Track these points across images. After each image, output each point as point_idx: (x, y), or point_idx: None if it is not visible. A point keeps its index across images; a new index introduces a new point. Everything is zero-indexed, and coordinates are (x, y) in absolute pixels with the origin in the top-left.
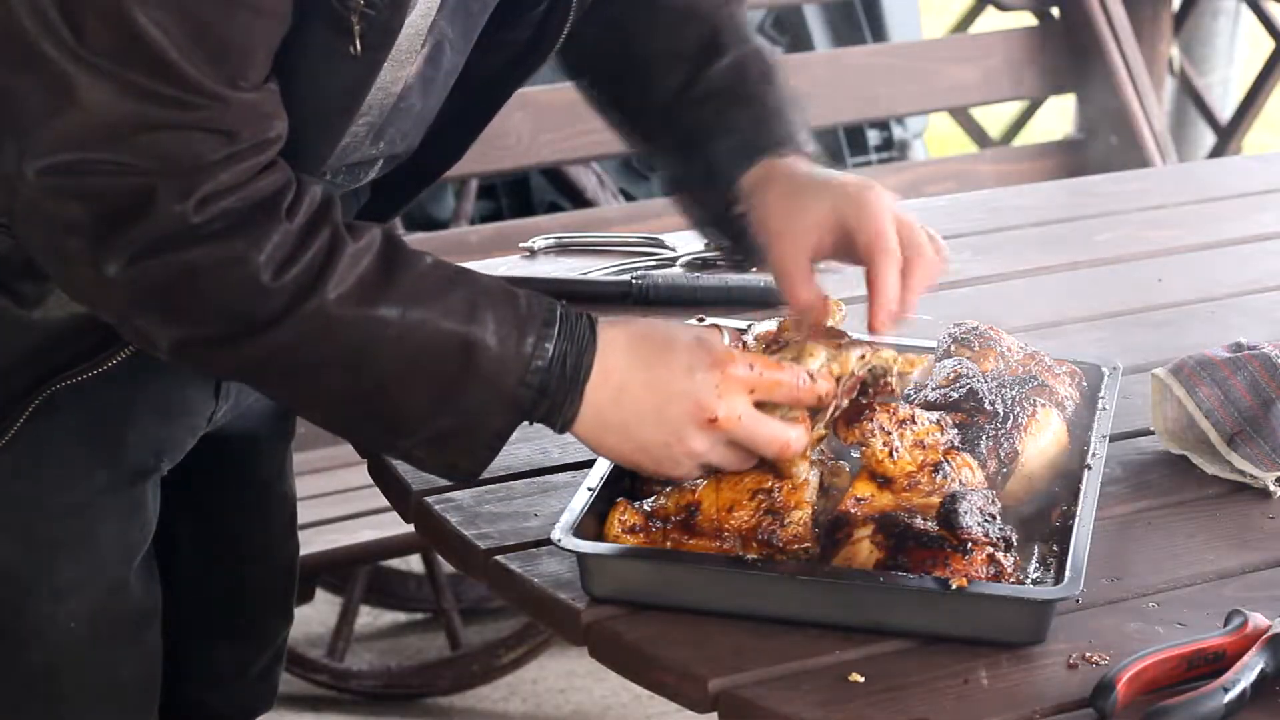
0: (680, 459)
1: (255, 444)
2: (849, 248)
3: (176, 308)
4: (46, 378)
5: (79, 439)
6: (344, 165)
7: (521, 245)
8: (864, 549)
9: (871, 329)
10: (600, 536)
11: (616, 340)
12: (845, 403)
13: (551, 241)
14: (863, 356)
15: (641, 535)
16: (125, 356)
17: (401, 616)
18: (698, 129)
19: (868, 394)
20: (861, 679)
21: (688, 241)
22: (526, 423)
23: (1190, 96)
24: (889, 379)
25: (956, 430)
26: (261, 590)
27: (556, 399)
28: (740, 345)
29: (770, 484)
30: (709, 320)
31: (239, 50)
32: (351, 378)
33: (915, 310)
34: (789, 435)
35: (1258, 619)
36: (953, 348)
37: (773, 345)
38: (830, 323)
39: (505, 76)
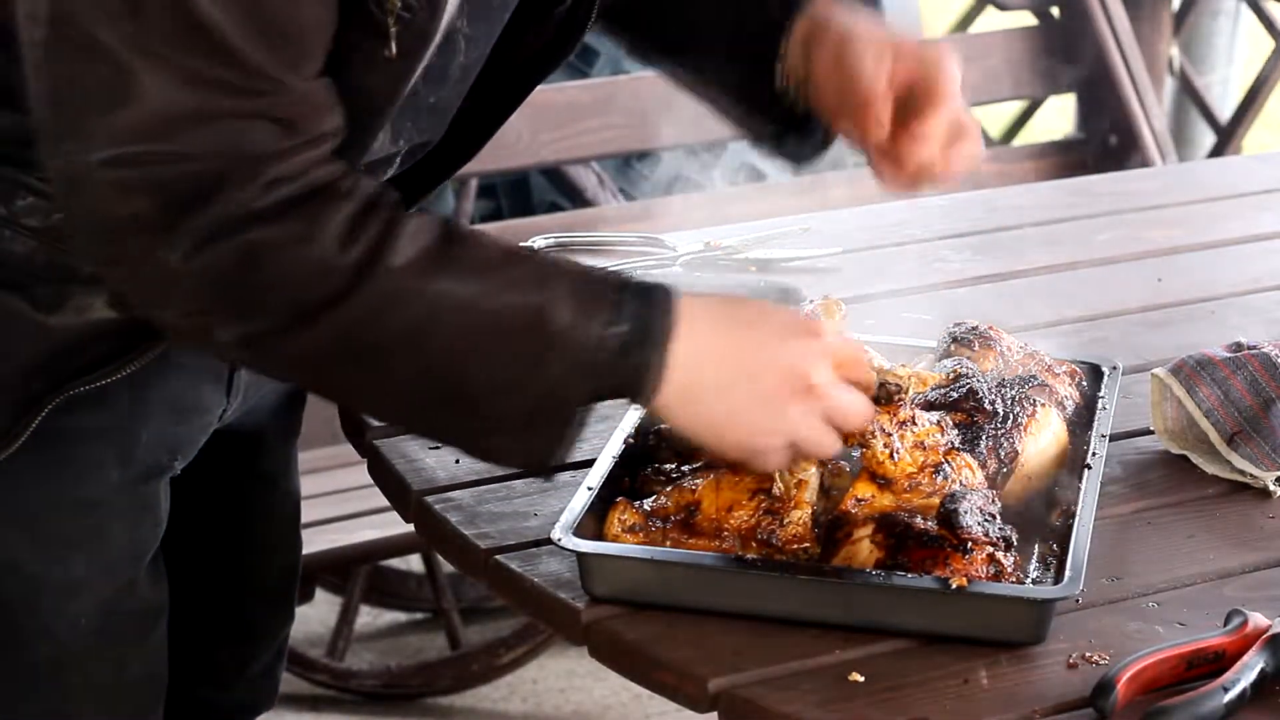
0: (775, 429)
1: (262, 440)
2: (911, 107)
3: (243, 295)
4: (62, 383)
5: (93, 438)
6: (364, 164)
7: (521, 245)
8: (864, 549)
9: (899, 179)
10: (600, 536)
11: (698, 305)
12: None
13: (551, 241)
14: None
15: (641, 535)
16: (140, 366)
17: (401, 616)
18: (743, 4)
19: (878, 404)
20: (861, 679)
21: (688, 241)
22: (608, 399)
23: (1190, 96)
24: (901, 396)
25: (957, 431)
26: (265, 587)
27: (639, 363)
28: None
29: (770, 484)
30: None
31: (297, 38)
32: (422, 356)
33: (950, 175)
34: (868, 406)
35: (1258, 619)
36: (953, 348)
37: None
38: (830, 323)
39: (526, 74)
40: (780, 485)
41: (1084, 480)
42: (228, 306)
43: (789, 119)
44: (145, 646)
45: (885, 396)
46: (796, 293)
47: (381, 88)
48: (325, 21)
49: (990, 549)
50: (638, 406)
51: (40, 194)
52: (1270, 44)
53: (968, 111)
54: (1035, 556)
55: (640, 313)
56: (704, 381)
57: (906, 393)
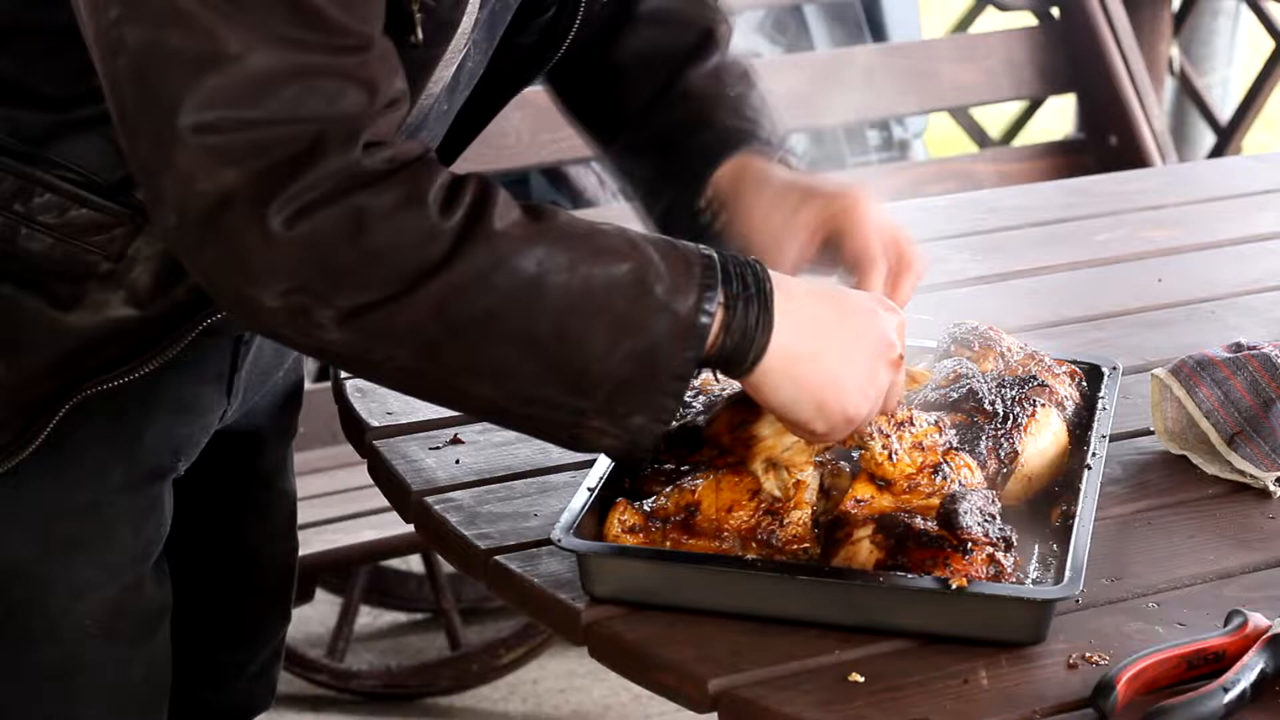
0: (869, 395)
1: (258, 441)
2: (833, 254)
3: (349, 263)
4: (78, 383)
5: (99, 439)
6: None
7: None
8: (864, 549)
9: None
10: (600, 536)
11: (782, 275)
12: None
13: None
14: None
15: (641, 535)
16: (157, 365)
17: (401, 616)
18: (674, 126)
19: None
20: (861, 679)
21: None
22: (710, 370)
23: (1190, 96)
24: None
25: (954, 431)
26: (261, 588)
27: (744, 327)
28: None
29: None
30: None
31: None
32: (529, 319)
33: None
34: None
35: (1258, 619)
36: (953, 348)
37: None
38: None
39: (508, 80)
40: (779, 487)
41: (1084, 480)
42: (331, 277)
43: (702, 233)
44: (151, 647)
45: None
46: None
47: (406, 77)
48: None
49: (990, 549)
50: (734, 376)
51: (55, 190)
52: (1270, 44)
53: (899, 234)
54: (1035, 556)
55: (737, 277)
56: (805, 350)
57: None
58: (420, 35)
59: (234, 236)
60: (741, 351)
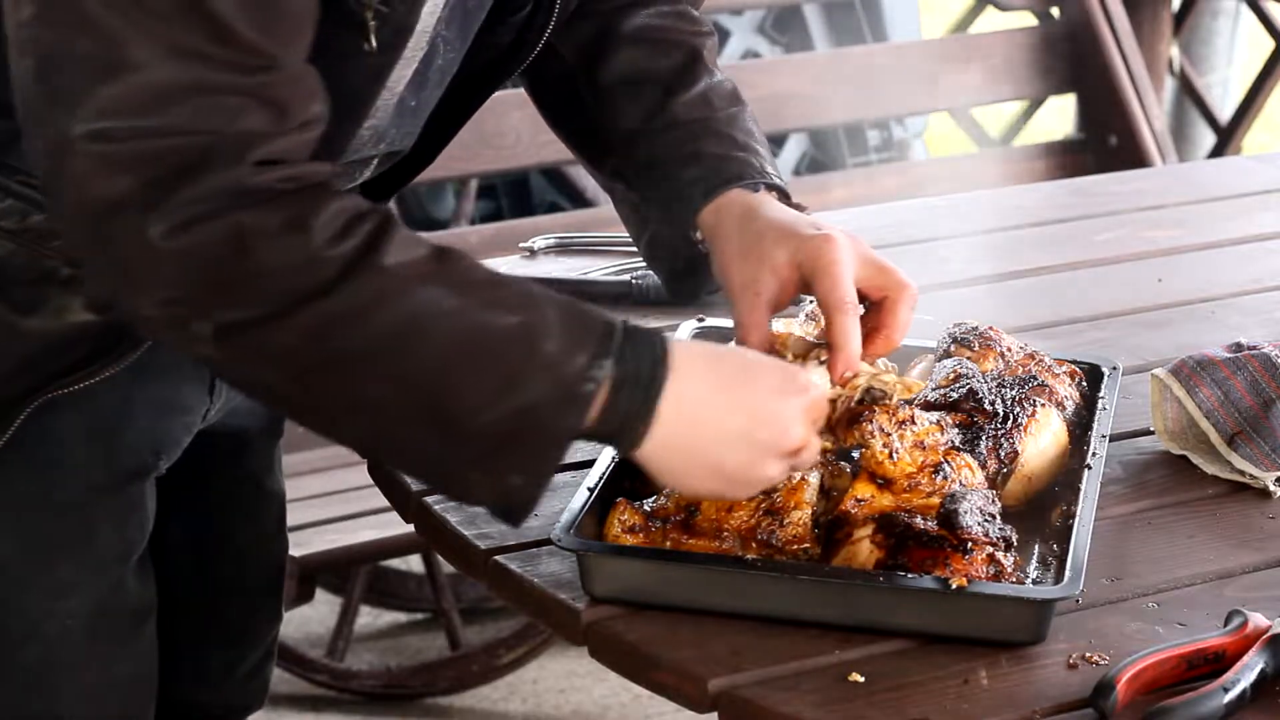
0: (755, 483)
1: (245, 440)
2: (810, 293)
3: (226, 279)
4: (40, 386)
5: (78, 438)
6: (343, 164)
7: (521, 245)
8: (864, 549)
9: (834, 380)
10: (600, 536)
11: (692, 353)
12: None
13: (551, 241)
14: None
15: (641, 535)
16: (118, 369)
17: (401, 616)
18: (663, 156)
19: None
20: (861, 679)
21: None
22: (589, 440)
23: (1190, 96)
24: (888, 403)
25: (957, 430)
26: (251, 588)
27: (628, 406)
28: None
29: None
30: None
31: (290, 17)
32: (402, 363)
33: (901, 340)
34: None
35: (1258, 619)
36: (953, 348)
37: None
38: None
39: (485, 79)
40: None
41: (1084, 480)
42: (209, 292)
43: (687, 266)
44: (134, 646)
45: (871, 402)
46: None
47: (359, 83)
48: (314, 7)
49: (990, 549)
50: (616, 452)
51: (17, 196)
52: (1270, 44)
53: (884, 268)
54: (1035, 556)
55: (631, 354)
56: (692, 434)
57: (891, 399)
58: (374, 42)
59: (117, 243)
60: (623, 431)
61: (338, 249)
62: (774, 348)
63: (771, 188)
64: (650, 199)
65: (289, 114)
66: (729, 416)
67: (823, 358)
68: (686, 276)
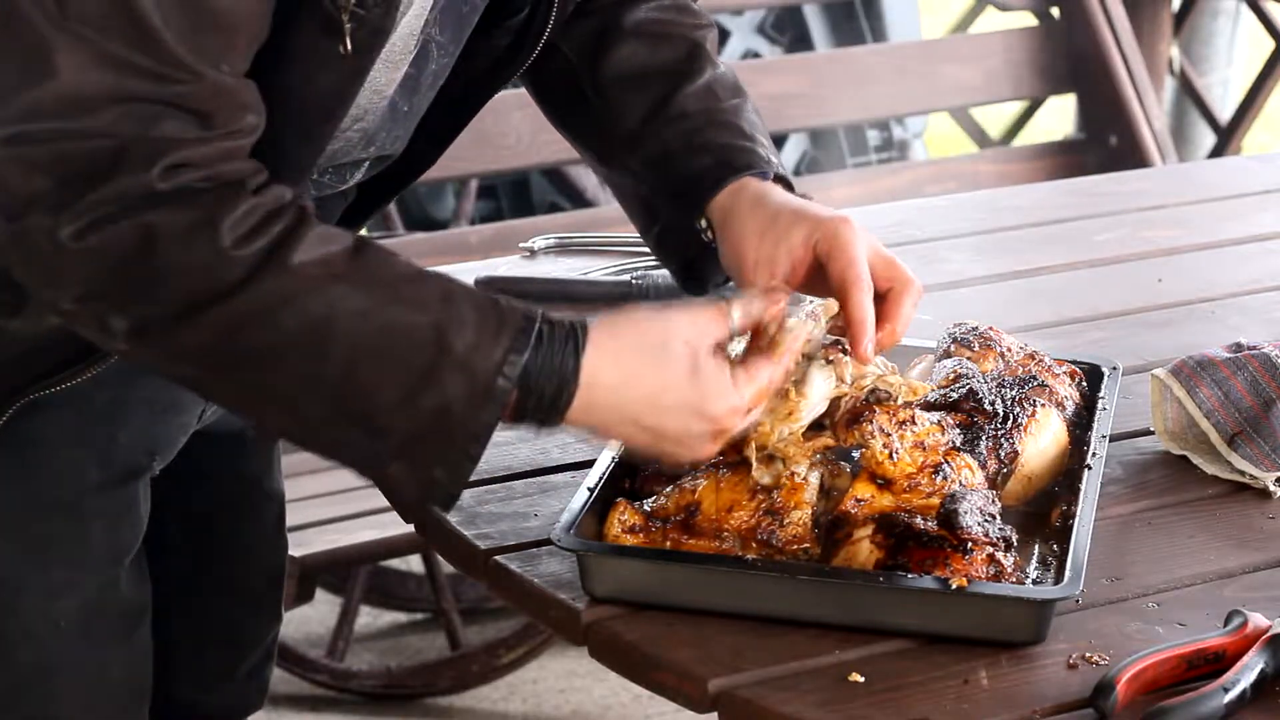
0: (677, 455)
1: (244, 442)
2: (821, 278)
3: (134, 279)
4: (23, 388)
5: (71, 439)
6: (332, 165)
7: (521, 245)
8: (864, 549)
9: (856, 359)
10: (600, 536)
11: (607, 335)
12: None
13: (551, 241)
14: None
15: (641, 535)
16: (101, 370)
17: (401, 616)
18: (670, 149)
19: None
20: (861, 679)
21: None
22: (509, 423)
23: (1190, 96)
24: (893, 404)
25: (957, 430)
26: (251, 589)
27: (539, 395)
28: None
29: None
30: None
31: (224, 31)
32: (316, 359)
33: (903, 335)
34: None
35: (1258, 619)
36: (953, 348)
37: None
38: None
39: (483, 82)
40: (770, 476)
41: (1084, 480)
42: (118, 290)
43: (699, 254)
44: (129, 647)
45: (875, 402)
46: (796, 293)
47: (336, 86)
48: (258, 13)
49: (990, 549)
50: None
51: None
52: (1270, 44)
53: (890, 259)
54: (1035, 556)
55: (548, 344)
56: (608, 420)
57: (895, 401)
58: (350, 45)
59: (35, 241)
60: (540, 418)
61: (246, 249)
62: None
63: (779, 179)
64: (659, 190)
65: (211, 123)
66: (639, 404)
67: (828, 358)
68: (697, 267)
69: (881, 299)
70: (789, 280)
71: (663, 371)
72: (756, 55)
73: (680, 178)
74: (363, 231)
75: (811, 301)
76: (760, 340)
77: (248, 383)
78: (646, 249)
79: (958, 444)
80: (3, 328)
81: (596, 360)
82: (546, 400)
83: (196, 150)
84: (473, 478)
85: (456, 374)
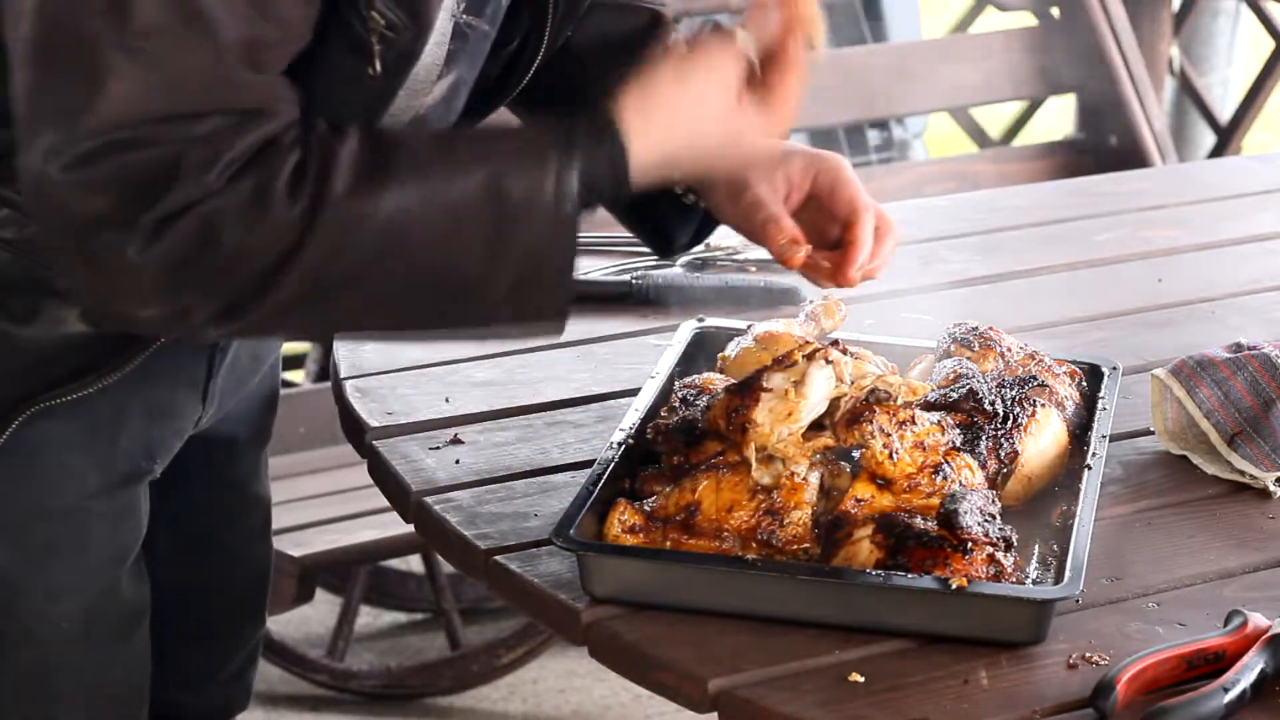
0: (734, 128)
1: (233, 446)
2: (810, 211)
3: (206, 270)
4: (34, 395)
5: (73, 444)
6: None
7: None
8: (864, 549)
9: (842, 281)
10: (600, 536)
11: (637, 106)
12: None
13: None
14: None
15: (641, 535)
16: (114, 379)
17: (401, 616)
18: None
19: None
20: (861, 679)
21: None
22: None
23: (1190, 96)
24: (893, 404)
25: (957, 430)
26: (236, 592)
27: (603, 186)
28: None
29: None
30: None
31: (282, 44)
32: (398, 263)
33: (879, 272)
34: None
35: (1258, 619)
36: (953, 348)
37: (777, 365)
38: (830, 323)
39: (472, 110)
40: (770, 476)
41: (1084, 480)
42: (195, 286)
43: (678, 213)
44: (128, 648)
45: (875, 401)
46: (796, 293)
47: (363, 106)
48: (308, 24)
49: (990, 549)
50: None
51: (15, 206)
52: (1270, 44)
53: (874, 202)
54: (1035, 556)
55: (589, 148)
56: (669, 153)
57: (895, 401)
58: (378, 67)
59: (107, 261)
60: (613, 195)
61: (296, 205)
62: (799, 235)
63: None
64: None
65: (258, 115)
66: (687, 118)
67: (828, 357)
68: (666, 227)
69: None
70: (786, 205)
71: (697, 108)
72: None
73: None
74: None
75: (811, 301)
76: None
77: (346, 310)
78: (646, 249)
79: (958, 444)
80: (14, 335)
81: (636, 132)
82: (608, 186)
83: (244, 140)
84: (472, 477)
85: (525, 218)
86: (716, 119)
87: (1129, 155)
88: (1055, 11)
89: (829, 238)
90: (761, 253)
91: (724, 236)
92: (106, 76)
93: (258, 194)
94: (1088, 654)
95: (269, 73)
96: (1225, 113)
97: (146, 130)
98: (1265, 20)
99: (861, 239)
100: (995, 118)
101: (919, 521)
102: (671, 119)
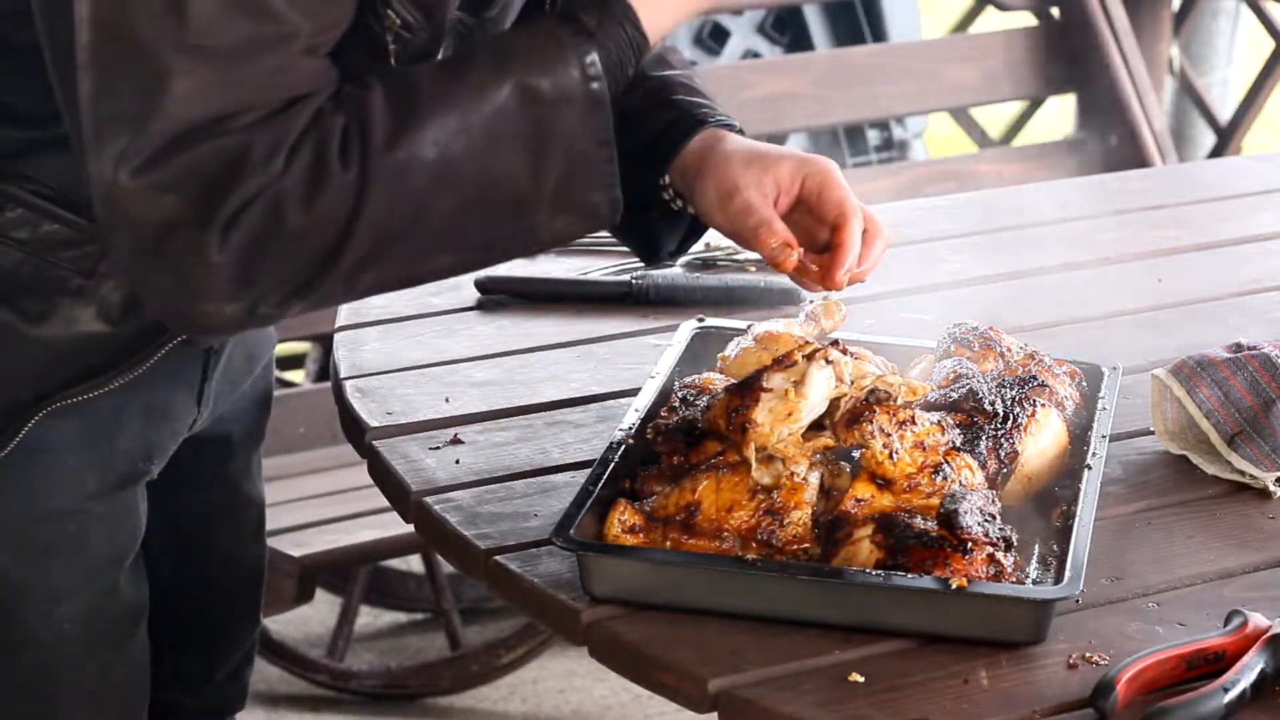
0: None
1: (227, 446)
2: (799, 215)
3: (279, 252)
4: (48, 395)
5: (71, 446)
6: None
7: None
8: (864, 549)
9: (829, 285)
10: (600, 536)
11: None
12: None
13: None
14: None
15: (641, 535)
16: (127, 379)
17: (401, 616)
18: (634, 108)
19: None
20: (861, 679)
21: None
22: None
23: (1190, 96)
24: (893, 404)
25: (957, 430)
26: (230, 592)
27: (625, 61)
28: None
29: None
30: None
31: (336, 25)
32: (454, 193)
33: (868, 274)
34: None
35: (1258, 619)
36: (953, 348)
37: (777, 365)
38: (830, 323)
39: None
40: (770, 476)
41: (1084, 481)
42: (270, 272)
43: (663, 212)
44: (128, 648)
45: (875, 401)
46: (796, 293)
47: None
48: (350, 9)
49: (990, 549)
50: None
51: (29, 206)
52: (1270, 44)
53: (862, 205)
54: (1035, 556)
55: (605, 30)
56: (674, 14)
57: (895, 401)
58: (394, 65)
59: (182, 266)
60: (634, 62)
61: (349, 171)
62: (790, 238)
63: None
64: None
65: (310, 97)
66: None
67: (828, 357)
68: (653, 234)
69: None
70: (778, 206)
71: None
72: (756, 55)
73: (647, 133)
74: None
75: (812, 301)
76: None
77: (411, 255)
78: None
79: (958, 444)
80: (27, 334)
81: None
82: (630, 58)
83: (300, 120)
84: (472, 477)
85: (560, 109)
86: None
87: (1129, 155)
88: (1055, 11)
89: (818, 241)
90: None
91: (723, 237)
92: (170, 78)
93: (315, 167)
94: (1088, 654)
95: (321, 57)
96: (1225, 113)
97: (211, 132)
98: (1265, 20)
99: (848, 242)
100: (995, 118)
101: (919, 521)
102: None
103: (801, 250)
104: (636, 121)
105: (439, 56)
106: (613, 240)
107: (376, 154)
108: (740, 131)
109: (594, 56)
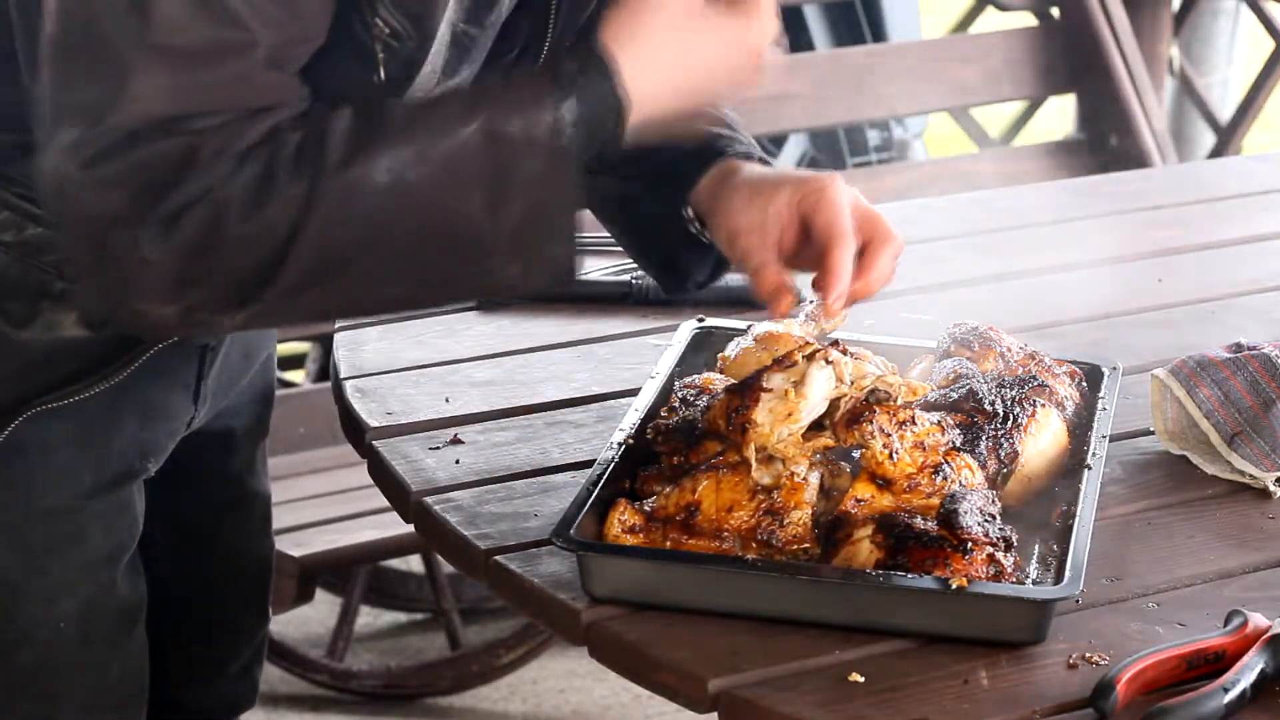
0: (730, 69)
1: (230, 440)
2: (808, 242)
3: (218, 257)
4: (30, 399)
5: (66, 445)
6: None
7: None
8: (864, 549)
9: (825, 313)
10: (600, 536)
11: (626, 34)
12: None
13: None
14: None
15: (641, 535)
16: (109, 384)
17: (401, 616)
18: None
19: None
20: (861, 679)
21: None
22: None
23: (1190, 96)
24: (893, 404)
25: (957, 430)
26: (239, 588)
27: (603, 127)
28: None
29: (770, 484)
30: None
31: (305, 40)
32: (404, 222)
33: (879, 288)
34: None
35: (1258, 619)
36: (953, 348)
37: (777, 365)
38: (830, 324)
39: None
40: (770, 476)
41: (1084, 481)
42: (208, 277)
43: (686, 240)
44: (126, 647)
45: (875, 402)
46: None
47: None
48: (326, 23)
49: (990, 549)
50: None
51: (12, 209)
52: (1270, 44)
53: (874, 214)
54: (1035, 556)
55: (579, 78)
56: (660, 89)
57: (895, 401)
58: (383, 74)
59: (119, 263)
60: (610, 138)
61: (297, 185)
62: (786, 284)
63: (762, 162)
64: (641, 183)
65: (271, 109)
66: (680, 64)
67: (828, 357)
68: (679, 263)
69: (860, 252)
70: (780, 248)
71: (686, 33)
72: None
73: (664, 165)
74: None
75: (811, 301)
76: None
77: (357, 283)
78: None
79: (958, 444)
80: (11, 338)
81: (628, 66)
82: (606, 121)
83: (254, 131)
84: (472, 477)
85: (523, 154)
86: (705, 46)
87: (1129, 155)
88: (1055, 11)
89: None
90: None
91: None
92: (130, 75)
93: (263, 178)
94: (1088, 654)
95: (288, 71)
96: (1225, 113)
97: (165, 130)
98: (1265, 20)
99: (835, 268)
100: (995, 118)
101: (919, 521)
102: (658, 49)
103: (798, 292)
104: (655, 153)
105: (428, 65)
106: (612, 240)
107: (328, 172)
108: (762, 160)
109: (569, 107)
